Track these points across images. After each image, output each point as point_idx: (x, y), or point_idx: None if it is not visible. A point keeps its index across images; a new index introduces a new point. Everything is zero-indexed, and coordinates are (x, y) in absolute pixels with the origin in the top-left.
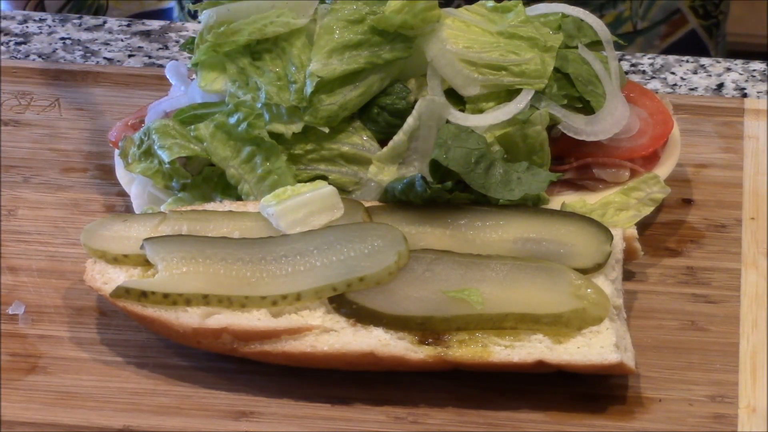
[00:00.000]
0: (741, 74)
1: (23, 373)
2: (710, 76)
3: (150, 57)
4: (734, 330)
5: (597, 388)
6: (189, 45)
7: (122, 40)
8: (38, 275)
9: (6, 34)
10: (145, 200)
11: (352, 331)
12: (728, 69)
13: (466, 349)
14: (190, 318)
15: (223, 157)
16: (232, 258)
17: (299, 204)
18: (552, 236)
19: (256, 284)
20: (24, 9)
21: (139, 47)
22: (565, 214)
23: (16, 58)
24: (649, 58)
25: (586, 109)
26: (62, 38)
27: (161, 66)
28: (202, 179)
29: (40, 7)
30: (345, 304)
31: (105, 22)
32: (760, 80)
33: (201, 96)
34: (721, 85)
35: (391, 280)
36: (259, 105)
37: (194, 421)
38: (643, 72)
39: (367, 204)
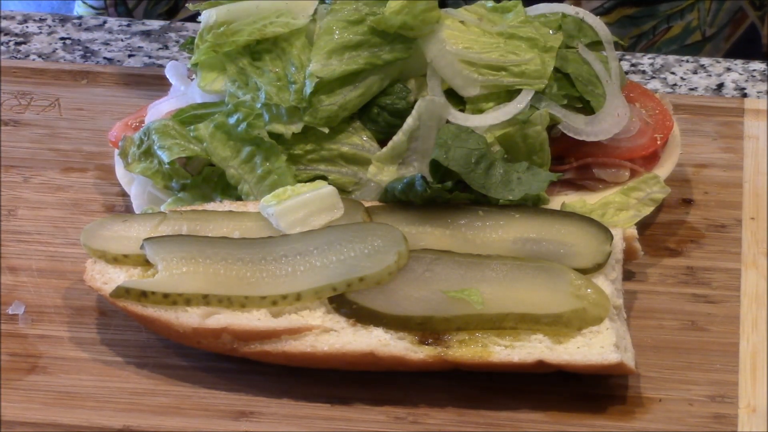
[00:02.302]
0: (741, 74)
1: (23, 373)
2: (710, 76)
3: (150, 57)
4: (734, 330)
5: (597, 388)
6: (189, 45)
7: (122, 40)
8: (38, 275)
9: (6, 34)
10: (145, 200)
11: (352, 331)
12: (728, 69)
13: (466, 349)
14: (190, 318)
15: (222, 158)
16: (232, 258)
17: (299, 204)
18: (552, 236)
19: (256, 284)
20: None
21: (139, 47)
22: (565, 214)
23: (16, 58)
24: (649, 58)
25: (586, 109)
26: (62, 38)
27: (161, 66)
28: (202, 179)
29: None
30: (345, 304)
31: (105, 22)
32: (760, 80)
33: (201, 96)
34: (721, 85)
35: (391, 280)
36: (258, 105)
37: (194, 421)
38: (643, 72)
39: (367, 204)
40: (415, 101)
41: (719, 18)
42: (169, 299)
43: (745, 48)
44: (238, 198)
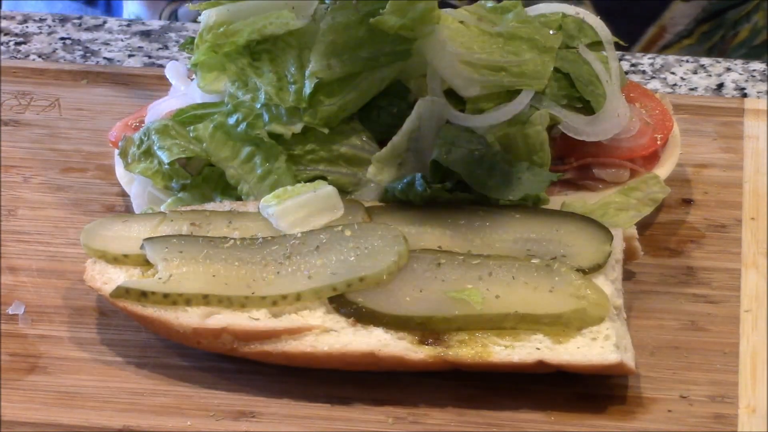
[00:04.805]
0: (741, 74)
1: (23, 373)
2: (710, 76)
3: (150, 57)
4: (734, 330)
5: (597, 388)
6: (188, 45)
7: (122, 40)
8: (38, 275)
9: (6, 34)
10: (145, 200)
11: (352, 331)
12: (728, 69)
13: (466, 349)
14: (190, 318)
15: (222, 158)
16: (232, 258)
17: (299, 204)
18: (552, 236)
19: (256, 284)
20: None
21: (139, 47)
22: (565, 214)
23: (16, 58)
24: (649, 58)
25: (587, 109)
26: (62, 38)
27: (161, 66)
28: (202, 179)
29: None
30: (345, 304)
31: (105, 22)
32: (760, 80)
33: (200, 96)
34: (721, 85)
35: (391, 280)
36: (258, 105)
37: (194, 421)
38: (643, 72)
39: (367, 204)
40: (415, 101)
41: None
42: (169, 299)
43: None
44: (238, 198)
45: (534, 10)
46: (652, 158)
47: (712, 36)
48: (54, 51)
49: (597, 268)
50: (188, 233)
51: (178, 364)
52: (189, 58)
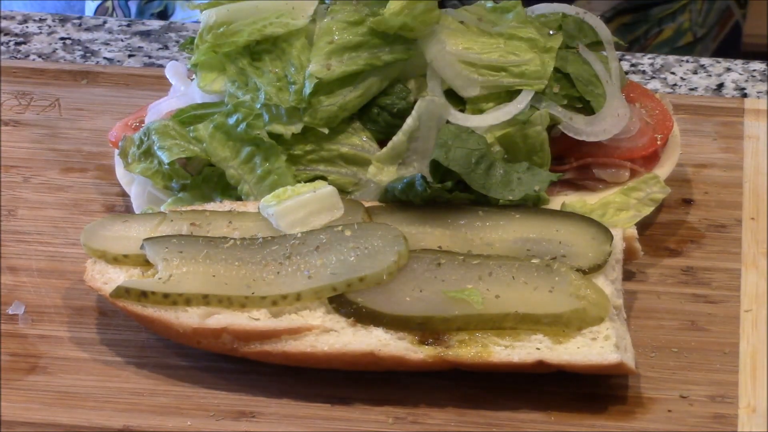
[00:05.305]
0: (741, 74)
1: (23, 373)
2: (710, 76)
3: (150, 57)
4: (734, 330)
5: (597, 388)
6: (188, 45)
7: (122, 40)
8: (38, 275)
9: (6, 34)
10: (145, 200)
11: (352, 331)
12: (728, 69)
13: (466, 349)
14: (190, 318)
15: (222, 158)
16: (232, 258)
17: (299, 204)
18: (552, 236)
19: (256, 284)
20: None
21: (139, 47)
22: (565, 214)
23: (16, 58)
24: (649, 58)
25: (587, 109)
26: (62, 38)
27: (161, 66)
28: (202, 179)
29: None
30: (345, 304)
31: (105, 22)
32: (760, 80)
33: (200, 96)
34: (721, 85)
35: (391, 280)
36: (258, 105)
37: (194, 421)
38: (643, 72)
39: (367, 204)
40: (415, 101)
41: (710, 18)
42: (169, 299)
43: (728, 47)
44: (238, 198)
45: (534, 10)
46: (652, 158)
47: (634, 30)
48: (54, 51)
49: (597, 268)
50: (188, 233)
51: (178, 364)
52: (189, 58)
